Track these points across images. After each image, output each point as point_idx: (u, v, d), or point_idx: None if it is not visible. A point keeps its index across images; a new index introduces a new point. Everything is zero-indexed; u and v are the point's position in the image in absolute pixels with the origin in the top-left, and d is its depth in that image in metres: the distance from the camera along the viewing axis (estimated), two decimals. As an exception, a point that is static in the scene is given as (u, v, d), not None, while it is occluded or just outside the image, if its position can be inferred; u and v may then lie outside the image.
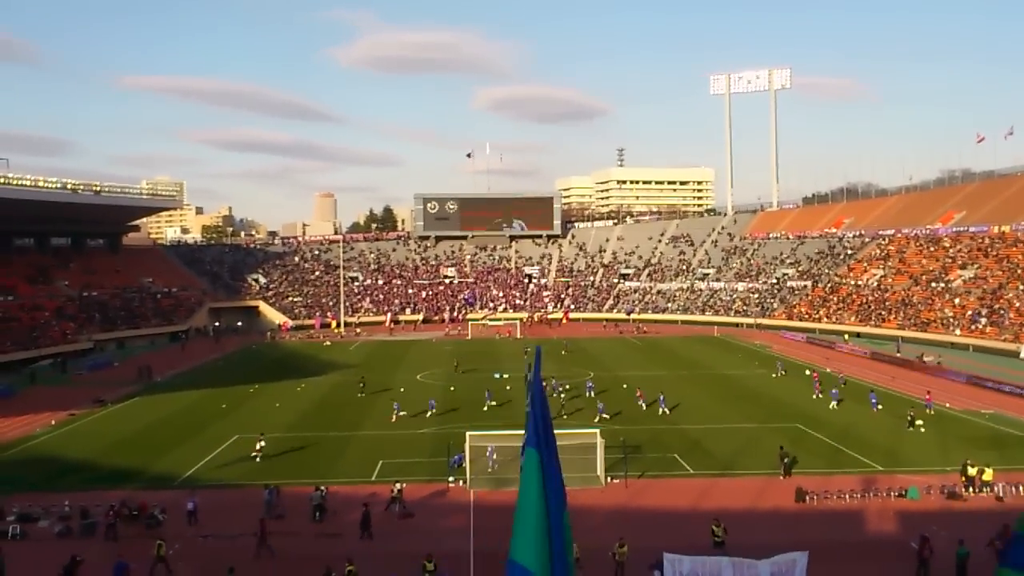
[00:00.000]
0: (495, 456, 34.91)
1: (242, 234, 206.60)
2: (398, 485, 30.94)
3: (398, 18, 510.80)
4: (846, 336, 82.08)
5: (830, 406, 48.37)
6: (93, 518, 29.18)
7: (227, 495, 32.48)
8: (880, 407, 47.92)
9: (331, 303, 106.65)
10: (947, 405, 48.31)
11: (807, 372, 60.87)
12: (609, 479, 33.60)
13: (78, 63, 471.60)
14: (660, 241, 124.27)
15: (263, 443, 38.50)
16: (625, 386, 55.16)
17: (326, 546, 26.56)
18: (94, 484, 33.49)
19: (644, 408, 48.17)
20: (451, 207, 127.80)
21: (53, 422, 47.18)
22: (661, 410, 47.11)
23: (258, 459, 37.48)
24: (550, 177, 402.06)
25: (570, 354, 73.88)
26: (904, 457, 37.08)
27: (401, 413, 46.44)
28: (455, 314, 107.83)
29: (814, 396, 51.90)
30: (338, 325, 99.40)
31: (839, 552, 25.33)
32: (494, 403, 49.60)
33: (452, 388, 55.88)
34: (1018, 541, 4.65)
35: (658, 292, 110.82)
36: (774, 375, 60.78)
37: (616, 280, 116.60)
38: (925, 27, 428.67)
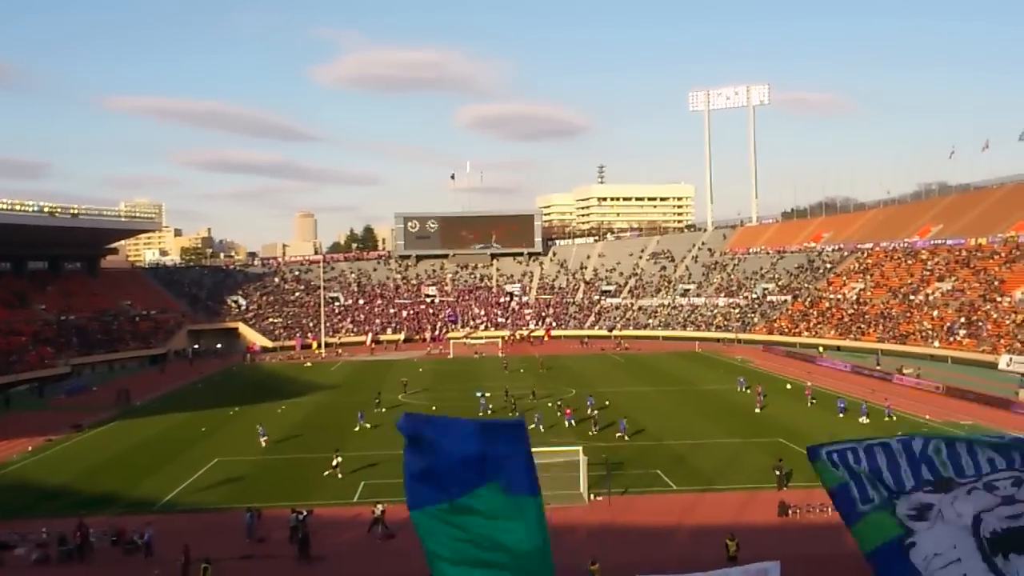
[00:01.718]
0: None
1: (221, 255, 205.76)
2: (380, 506, 30.71)
3: (381, 37, 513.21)
4: (820, 348, 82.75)
5: (860, 420, 48.17)
6: (71, 545, 28.80)
7: (208, 519, 32.14)
8: (844, 413, 50.11)
9: (312, 324, 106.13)
10: (927, 417, 48.63)
11: (787, 387, 61.18)
12: (593, 496, 33.52)
13: (58, 85, 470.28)
14: (641, 257, 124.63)
15: (340, 459, 38.28)
16: (555, 402, 55.49)
17: (304, 570, 26.30)
18: (72, 510, 33.00)
19: (569, 426, 47.89)
20: (432, 226, 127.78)
21: (30, 448, 46.60)
22: (591, 430, 46.39)
23: (339, 476, 37.43)
24: (531, 195, 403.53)
25: (548, 371, 74.00)
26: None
27: (264, 438, 45.53)
28: (436, 333, 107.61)
29: (756, 409, 52.52)
30: (319, 346, 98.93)
31: (822, 566, 25.30)
32: (367, 425, 49.31)
33: (433, 408, 55.68)
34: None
35: (639, 308, 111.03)
36: (738, 389, 60.83)
37: (598, 297, 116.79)
38: (901, 42, 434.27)
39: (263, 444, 44.92)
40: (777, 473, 34.56)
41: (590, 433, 45.89)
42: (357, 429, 48.72)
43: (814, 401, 54.53)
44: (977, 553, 3.82)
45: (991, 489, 3.81)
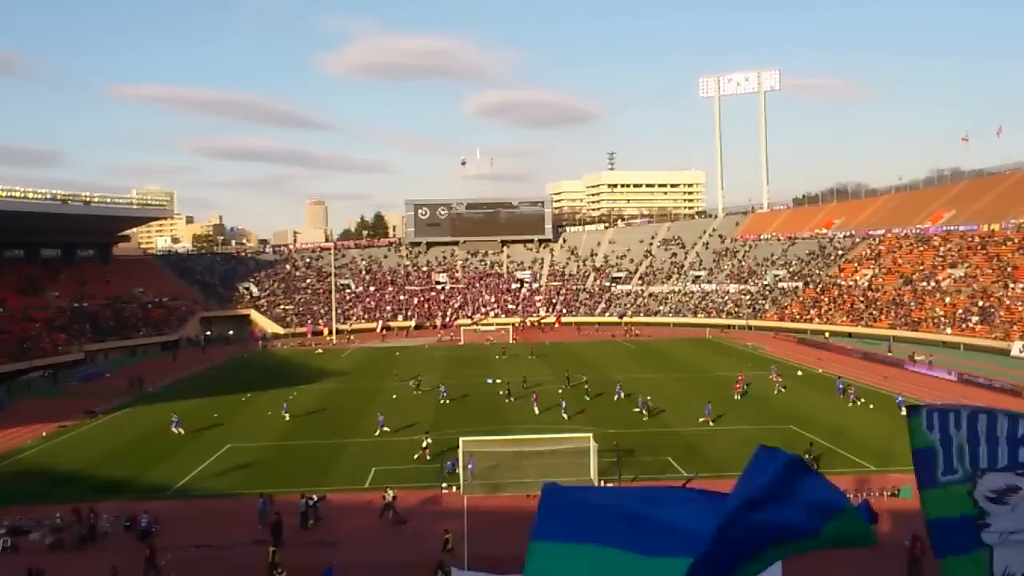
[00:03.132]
0: (473, 466, 34.42)
1: (233, 243, 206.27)
2: (391, 492, 30.89)
3: (390, 25, 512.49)
4: (827, 334, 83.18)
5: (902, 412, 47.33)
6: (84, 530, 29.11)
7: (221, 504, 32.38)
8: (848, 396, 51.25)
9: (323, 311, 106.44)
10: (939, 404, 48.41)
11: (799, 373, 61.01)
12: (603, 483, 33.57)
13: (68, 74, 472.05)
14: (652, 244, 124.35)
15: (429, 440, 38.62)
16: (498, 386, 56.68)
17: (315, 554, 26.44)
18: (86, 496, 33.31)
19: (537, 413, 48.07)
20: (442, 213, 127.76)
21: (44, 434, 46.96)
22: (563, 415, 46.90)
23: (428, 457, 37.55)
24: (541, 181, 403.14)
25: (539, 358, 74.45)
26: (896, 456, 37.13)
27: (179, 429, 45.68)
28: (446, 320, 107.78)
29: (735, 397, 52.47)
30: (330, 333, 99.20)
31: (832, 552, 25.32)
32: (287, 417, 49.52)
33: (449, 399, 55.78)
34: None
35: (650, 295, 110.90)
36: (770, 378, 59.34)
37: (608, 283, 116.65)
38: (914, 27, 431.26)
39: (176, 432, 45.28)
40: (807, 457, 34.91)
41: (644, 416, 46.85)
42: (288, 418, 49.01)
43: (783, 390, 54.53)
44: None
45: None
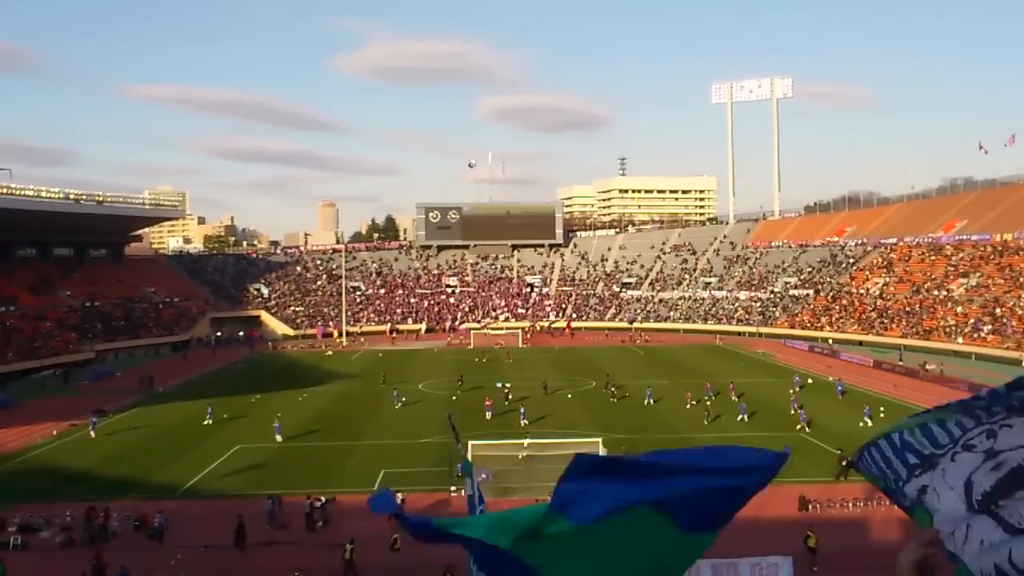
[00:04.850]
0: (488, 477, 33.71)
1: (244, 244, 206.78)
2: (400, 495, 30.86)
3: (402, 28, 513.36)
4: (829, 341, 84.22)
5: (860, 424, 45.92)
6: (95, 528, 29.21)
7: (229, 505, 32.41)
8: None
9: (333, 312, 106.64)
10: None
11: (809, 380, 60.81)
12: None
13: (81, 73, 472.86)
14: (662, 250, 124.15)
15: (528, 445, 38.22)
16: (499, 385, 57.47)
17: (320, 556, 26.48)
18: (96, 494, 33.44)
19: (489, 417, 47.84)
20: (453, 216, 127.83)
21: (55, 432, 47.21)
22: (522, 422, 46.56)
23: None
24: (552, 186, 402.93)
25: (516, 362, 75.30)
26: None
27: (93, 430, 45.93)
28: (455, 323, 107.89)
29: (693, 404, 51.64)
30: (340, 335, 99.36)
31: (843, 561, 25.26)
32: (216, 421, 49.49)
33: (453, 397, 55.78)
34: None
35: (660, 301, 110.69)
36: (792, 391, 56.44)
37: (618, 289, 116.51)
38: (927, 35, 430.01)
39: (92, 435, 45.47)
40: (843, 463, 35.00)
41: (523, 424, 46.24)
42: (208, 423, 48.87)
43: (738, 397, 53.37)
44: (980, 515, 3.53)
45: (969, 449, 3.54)
